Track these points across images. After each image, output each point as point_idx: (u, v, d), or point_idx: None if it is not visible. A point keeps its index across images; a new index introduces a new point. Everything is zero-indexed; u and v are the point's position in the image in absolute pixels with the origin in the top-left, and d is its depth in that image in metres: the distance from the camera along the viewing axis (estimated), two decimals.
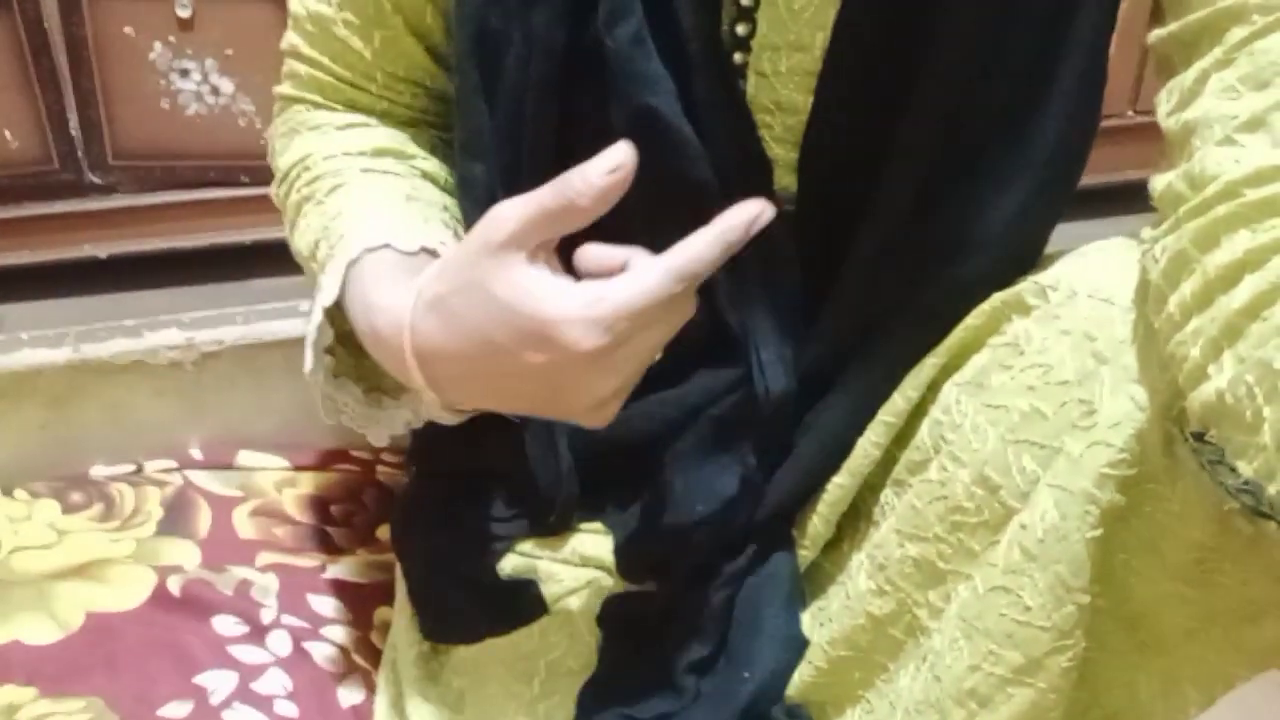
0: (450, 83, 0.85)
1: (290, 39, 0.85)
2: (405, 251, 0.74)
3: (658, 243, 0.79)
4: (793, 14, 0.74)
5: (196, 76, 1.21)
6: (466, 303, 0.65)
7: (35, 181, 1.21)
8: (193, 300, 1.25)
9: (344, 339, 0.78)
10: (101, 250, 1.25)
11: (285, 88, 0.87)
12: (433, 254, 0.74)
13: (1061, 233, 0.79)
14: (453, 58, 0.79)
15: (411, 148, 0.85)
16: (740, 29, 0.75)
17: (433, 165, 0.85)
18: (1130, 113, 1.48)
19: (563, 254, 0.68)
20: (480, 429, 0.88)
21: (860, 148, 0.74)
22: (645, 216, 0.77)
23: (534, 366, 0.64)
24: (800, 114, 0.76)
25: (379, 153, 0.82)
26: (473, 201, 0.79)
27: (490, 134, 0.77)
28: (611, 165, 0.61)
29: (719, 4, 0.74)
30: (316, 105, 0.85)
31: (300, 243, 0.81)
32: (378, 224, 0.75)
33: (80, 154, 1.21)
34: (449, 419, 0.75)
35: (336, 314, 0.75)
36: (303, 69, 0.85)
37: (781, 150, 0.78)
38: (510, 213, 0.63)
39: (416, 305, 0.68)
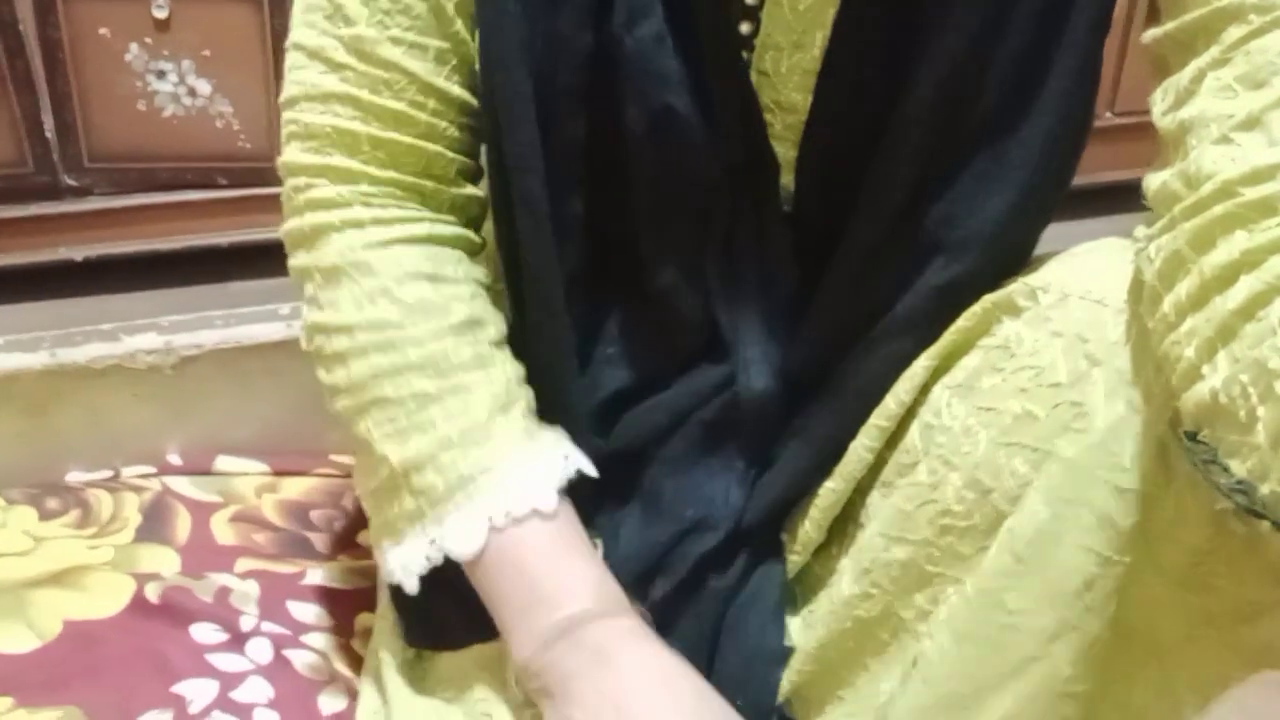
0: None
1: (310, 79, 0.77)
2: (548, 514, 0.75)
3: (662, 237, 0.79)
4: (796, 14, 0.74)
5: (173, 78, 1.20)
6: None
7: (10, 184, 1.20)
8: (170, 303, 1.24)
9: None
10: (77, 253, 1.24)
11: (295, 154, 0.79)
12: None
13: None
14: (487, 66, 0.76)
15: (480, 309, 0.80)
16: (744, 27, 0.75)
17: (490, 316, 0.80)
18: (1108, 114, 1.48)
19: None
20: None
21: (858, 147, 0.74)
22: (653, 213, 0.78)
23: None
24: (799, 113, 0.76)
25: (458, 330, 0.77)
26: (532, 217, 0.76)
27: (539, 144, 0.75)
28: None
29: (729, 2, 0.73)
30: (346, 200, 0.78)
31: (385, 448, 0.76)
32: (505, 475, 0.75)
33: (56, 156, 1.20)
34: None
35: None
36: (330, 123, 0.77)
37: (782, 149, 0.78)
38: None
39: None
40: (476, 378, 0.77)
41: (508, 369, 0.79)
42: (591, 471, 0.79)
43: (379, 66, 0.76)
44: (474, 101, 0.79)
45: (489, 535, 0.75)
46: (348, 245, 0.77)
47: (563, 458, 0.78)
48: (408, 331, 0.76)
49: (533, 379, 0.81)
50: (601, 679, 0.71)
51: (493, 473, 0.75)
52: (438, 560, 0.76)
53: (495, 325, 0.80)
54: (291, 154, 0.79)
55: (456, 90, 0.78)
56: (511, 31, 0.73)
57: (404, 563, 0.77)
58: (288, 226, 0.80)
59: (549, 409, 0.81)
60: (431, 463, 0.75)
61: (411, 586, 0.78)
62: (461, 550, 0.75)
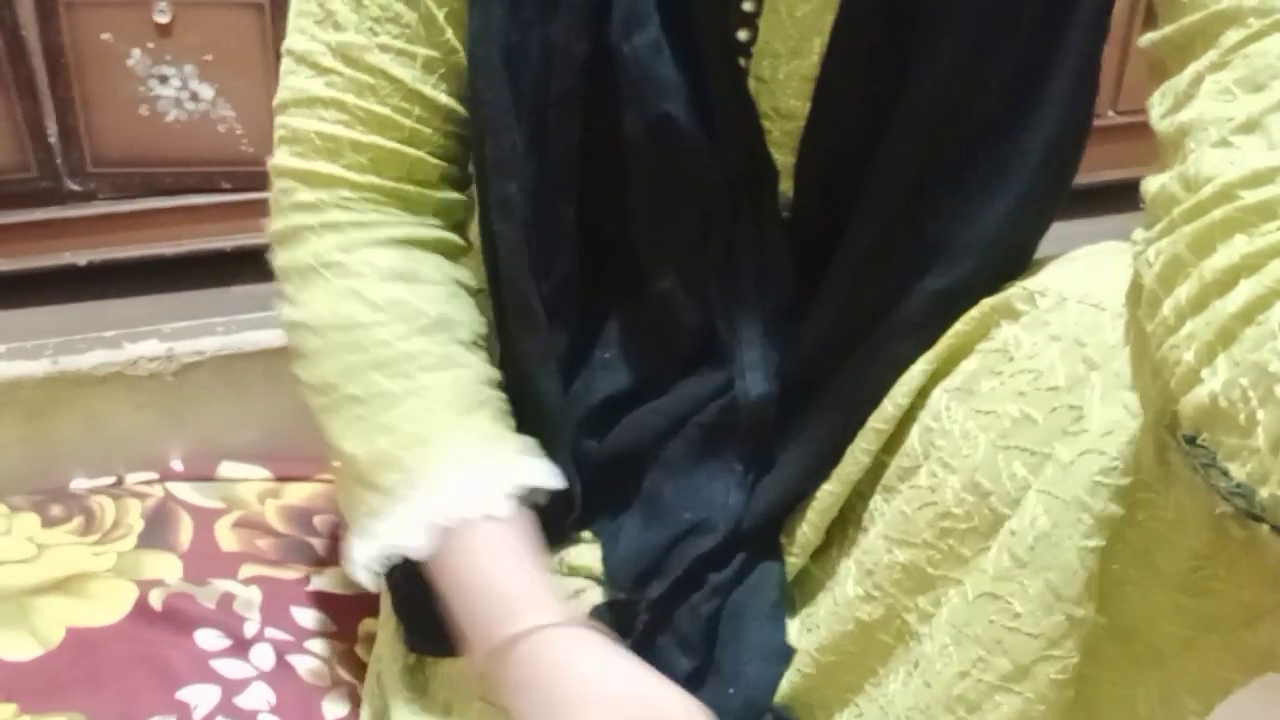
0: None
1: (296, 84, 0.78)
2: (497, 519, 0.74)
3: (660, 242, 0.79)
4: (794, 20, 0.74)
5: (176, 83, 1.20)
6: None
7: (13, 189, 1.20)
8: (173, 308, 1.25)
9: None
10: (80, 258, 1.24)
11: (284, 158, 0.79)
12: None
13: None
14: (474, 74, 0.76)
15: (455, 309, 0.80)
16: (742, 34, 0.75)
17: (465, 317, 0.81)
18: (1111, 113, 1.48)
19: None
20: None
21: (857, 153, 0.74)
22: (651, 218, 0.78)
23: None
24: (798, 120, 0.76)
25: (427, 330, 0.78)
26: (508, 223, 0.77)
27: (522, 151, 0.76)
28: None
29: (727, 9, 0.73)
30: (325, 204, 0.78)
31: (350, 445, 0.78)
32: (456, 477, 0.75)
33: (59, 161, 1.20)
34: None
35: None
36: (311, 128, 0.77)
37: (780, 156, 0.78)
38: None
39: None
40: (442, 379, 0.77)
41: (477, 371, 0.79)
42: (555, 483, 0.79)
43: (365, 72, 0.76)
44: (461, 110, 0.79)
45: (439, 537, 0.74)
46: (324, 247, 0.78)
47: (520, 464, 0.77)
48: (376, 333, 0.77)
49: (514, 382, 0.81)
50: (546, 692, 0.71)
51: (445, 474, 0.75)
52: (395, 559, 0.76)
53: (469, 326, 0.80)
54: (279, 158, 0.80)
55: (444, 99, 0.78)
56: (495, 38, 0.74)
57: (364, 559, 0.78)
58: (273, 227, 0.81)
59: (531, 412, 0.81)
60: (391, 462, 0.76)
61: (370, 583, 0.78)
62: (411, 549, 0.75)
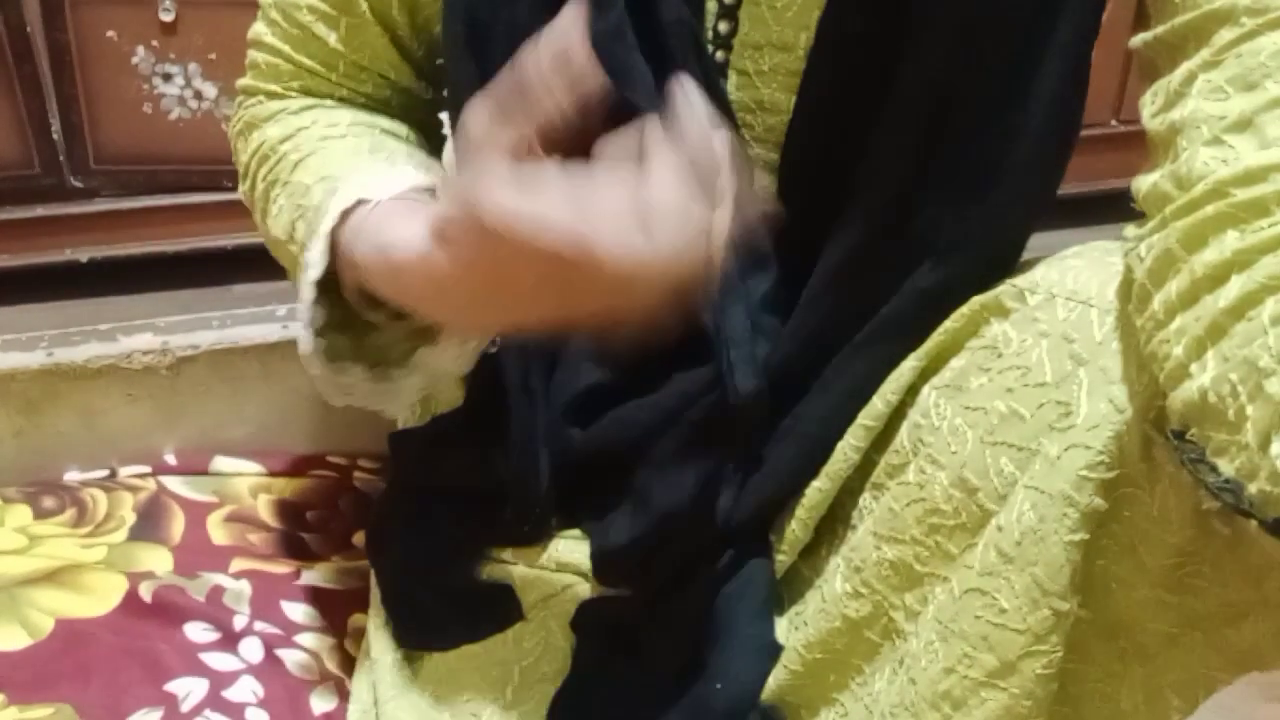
0: (415, 78, 0.85)
1: (255, 29, 0.84)
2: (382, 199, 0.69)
3: None
4: (775, 12, 0.74)
5: (179, 81, 1.21)
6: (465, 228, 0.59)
7: (16, 185, 1.20)
8: (173, 306, 1.25)
9: (337, 323, 0.74)
10: (82, 255, 1.24)
11: (245, 79, 0.86)
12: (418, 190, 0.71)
13: (1041, 241, 0.78)
14: (445, 49, 0.78)
15: (373, 118, 0.83)
16: (722, 26, 0.75)
17: (395, 126, 0.84)
18: (1113, 122, 1.48)
19: None
20: (455, 450, 0.88)
21: (842, 149, 0.74)
22: None
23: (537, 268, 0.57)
24: (782, 114, 0.76)
25: (335, 123, 0.81)
26: None
27: None
28: (555, 48, 0.56)
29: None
30: (272, 95, 0.84)
31: (276, 228, 0.79)
32: (350, 184, 0.71)
33: (62, 158, 1.21)
34: (461, 363, 0.75)
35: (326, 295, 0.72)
36: (262, 58, 0.84)
37: (762, 150, 0.77)
38: (473, 117, 0.58)
39: (425, 239, 0.62)
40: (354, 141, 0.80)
41: (393, 127, 0.83)
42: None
43: (295, 27, 0.82)
44: (393, 75, 0.84)
45: (329, 240, 0.69)
46: (263, 109, 0.84)
47: (414, 173, 0.73)
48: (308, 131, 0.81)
49: (486, 367, 0.81)
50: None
51: (333, 197, 0.71)
52: (308, 297, 0.70)
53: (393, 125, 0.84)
54: (240, 81, 0.87)
55: (366, 63, 0.82)
56: (462, 16, 0.75)
57: (303, 313, 0.72)
58: (232, 131, 0.88)
59: (508, 399, 0.82)
60: (300, 217, 0.75)
61: (306, 346, 0.72)
62: (315, 270, 0.70)
